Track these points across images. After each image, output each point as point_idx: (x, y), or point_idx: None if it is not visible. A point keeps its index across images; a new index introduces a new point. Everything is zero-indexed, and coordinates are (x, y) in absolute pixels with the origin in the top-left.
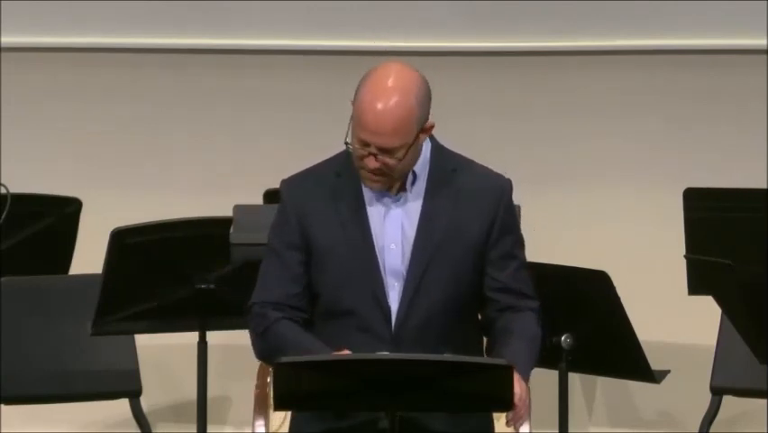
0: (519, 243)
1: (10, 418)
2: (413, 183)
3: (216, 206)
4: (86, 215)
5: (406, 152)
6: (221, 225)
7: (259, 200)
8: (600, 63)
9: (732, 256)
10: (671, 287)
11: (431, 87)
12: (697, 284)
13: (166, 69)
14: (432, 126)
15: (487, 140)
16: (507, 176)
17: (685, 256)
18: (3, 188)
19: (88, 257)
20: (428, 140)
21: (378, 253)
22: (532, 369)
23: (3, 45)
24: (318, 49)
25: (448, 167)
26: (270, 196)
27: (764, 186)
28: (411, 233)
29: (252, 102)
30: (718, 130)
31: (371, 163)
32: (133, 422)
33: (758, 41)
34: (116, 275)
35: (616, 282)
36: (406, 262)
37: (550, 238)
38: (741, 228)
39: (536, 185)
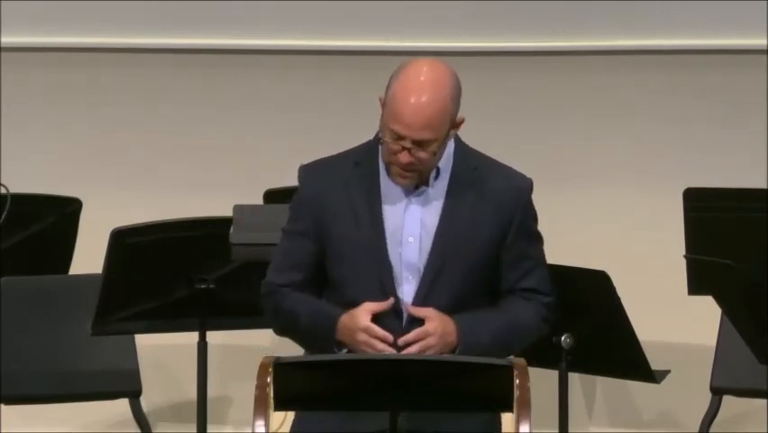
0: (536, 242)
1: (10, 418)
2: (436, 178)
3: (216, 206)
4: (86, 215)
5: (439, 146)
6: (221, 225)
7: (259, 200)
8: (600, 63)
9: (732, 256)
10: (671, 287)
11: None
12: (697, 284)
13: (166, 69)
14: (462, 121)
15: (487, 140)
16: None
17: (685, 256)
18: (3, 188)
19: (88, 257)
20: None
21: (394, 246)
22: (494, 345)
23: (3, 45)
24: (318, 49)
25: (470, 165)
26: (270, 196)
27: (764, 186)
28: (431, 228)
29: (252, 102)
30: (718, 130)
31: (405, 158)
32: (133, 422)
33: (758, 41)
34: (116, 275)
35: (616, 282)
36: (424, 256)
37: (550, 238)
38: (741, 228)
39: (536, 185)
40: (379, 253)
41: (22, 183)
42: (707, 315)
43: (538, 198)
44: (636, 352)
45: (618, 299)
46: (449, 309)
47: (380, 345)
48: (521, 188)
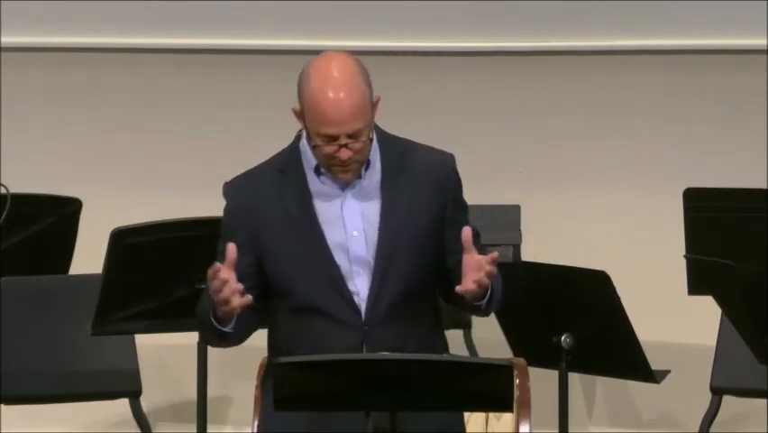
0: (467, 212)
1: (10, 418)
2: (367, 170)
3: (216, 206)
4: (86, 215)
5: (370, 130)
6: (221, 225)
7: None
8: (600, 63)
9: (732, 256)
10: (671, 287)
11: (431, 87)
12: (697, 284)
13: (166, 69)
14: (378, 99)
15: (487, 140)
16: (508, 175)
17: (685, 256)
18: (3, 188)
19: (88, 257)
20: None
21: (338, 243)
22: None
23: (3, 45)
24: (318, 49)
25: (396, 150)
26: None
27: (764, 186)
28: (373, 219)
29: (252, 102)
30: (718, 130)
31: (344, 154)
32: (133, 422)
33: (758, 41)
34: (116, 275)
35: (616, 282)
36: (372, 249)
37: (550, 238)
38: (741, 228)
39: (536, 185)
40: (321, 253)
41: (22, 183)
42: (707, 315)
43: (538, 199)
44: (636, 352)
45: (618, 299)
46: (403, 297)
47: (222, 274)
48: (447, 163)
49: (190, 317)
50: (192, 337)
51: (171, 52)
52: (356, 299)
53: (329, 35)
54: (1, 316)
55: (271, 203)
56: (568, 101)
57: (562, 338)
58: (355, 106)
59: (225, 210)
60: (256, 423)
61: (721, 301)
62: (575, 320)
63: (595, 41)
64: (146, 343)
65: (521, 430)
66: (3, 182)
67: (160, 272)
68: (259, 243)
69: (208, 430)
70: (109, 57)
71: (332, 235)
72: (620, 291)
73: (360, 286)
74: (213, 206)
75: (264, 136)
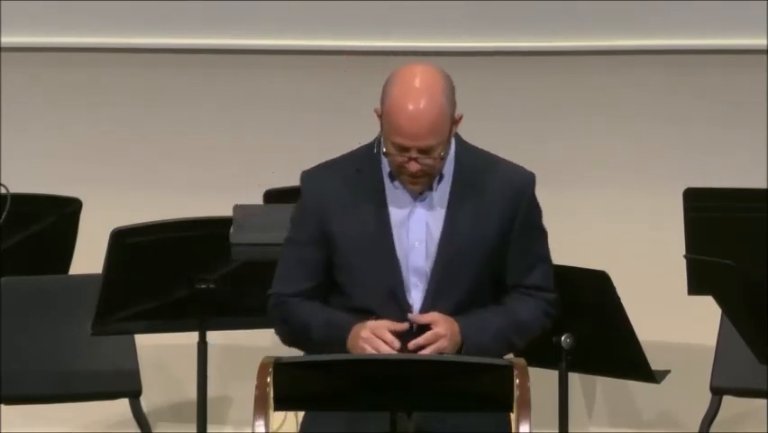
0: (540, 237)
1: (10, 418)
2: (439, 182)
3: (216, 206)
4: (86, 215)
5: (444, 148)
6: (221, 225)
7: (259, 200)
8: (600, 63)
9: (732, 256)
10: (671, 287)
11: None
12: (697, 284)
13: (166, 69)
14: (461, 118)
15: (487, 140)
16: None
17: (685, 256)
18: (3, 188)
19: (88, 257)
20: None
21: (402, 251)
22: (498, 343)
23: (3, 45)
24: (318, 49)
25: (473, 164)
26: (270, 196)
27: (764, 186)
28: (436, 231)
29: (252, 102)
30: (718, 130)
31: (413, 167)
32: (133, 422)
33: (758, 41)
34: (116, 275)
35: (616, 282)
36: (431, 260)
37: (550, 238)
38: (741, 228)
39: (537, 185)
40: (387, 258)
41: (22, 183)
42: (707, 315)
43: (539, 198)
44: (636, 352)
45: (618, 299)
46: (456, 312)
47: (383, 346)
48: (524, 183)
49: (190, 317)
50: (192, 337)
51: (171, 52)
52: (410, 311)
53: (329, 35)
54: (1, 316)
55: (347, 202)
56: (568, 101)
57: (562, 338)
58: (432, 122)
59: (301, 201)
60: (261, 422)
61: (721, 301)
62: (575, 320)
63: (595, 41)
64: (146, 343)
65: (521, 430)
66: (3, 182)
67: (160, 272)
68: (329, 238)
69: (208, 430)
70: (109, 57)
71: (397, 243)
72: (620, 291)
73: (415, 298)
74: (213, 206)
75: (264, 136)
